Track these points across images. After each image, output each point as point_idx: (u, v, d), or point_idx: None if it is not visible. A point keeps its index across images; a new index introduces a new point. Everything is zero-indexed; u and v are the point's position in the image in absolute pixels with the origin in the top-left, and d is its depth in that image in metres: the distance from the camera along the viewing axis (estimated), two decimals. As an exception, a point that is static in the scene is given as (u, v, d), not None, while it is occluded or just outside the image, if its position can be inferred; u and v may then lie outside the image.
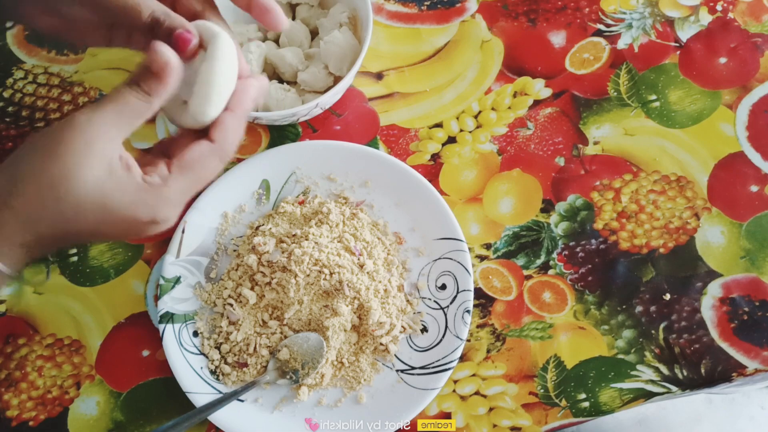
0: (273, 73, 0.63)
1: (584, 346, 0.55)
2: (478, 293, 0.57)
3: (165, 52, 0.37)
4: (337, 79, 0.60)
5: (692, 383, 0.54)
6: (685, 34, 0.64)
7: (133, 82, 0.38)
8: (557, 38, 0.66)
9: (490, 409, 0.54)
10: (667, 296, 0.56)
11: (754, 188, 0.58)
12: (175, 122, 0.42)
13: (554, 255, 0.58)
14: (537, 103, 0.63)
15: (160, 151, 0.41)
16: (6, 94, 0.68)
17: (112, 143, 0.37)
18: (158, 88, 0.37)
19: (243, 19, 0.62)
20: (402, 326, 0.55)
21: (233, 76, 0.41)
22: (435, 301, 0.56)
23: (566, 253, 0.58)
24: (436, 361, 0.53)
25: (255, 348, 0.54)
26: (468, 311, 0.54)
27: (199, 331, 0.56)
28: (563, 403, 0.54)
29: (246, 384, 0.53)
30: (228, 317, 0.55)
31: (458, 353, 0.53)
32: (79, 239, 0.40)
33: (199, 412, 0.49)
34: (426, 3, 0.68)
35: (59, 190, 0.35)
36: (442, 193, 0.60)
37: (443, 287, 0.56)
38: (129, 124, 0.38)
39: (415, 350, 0.55)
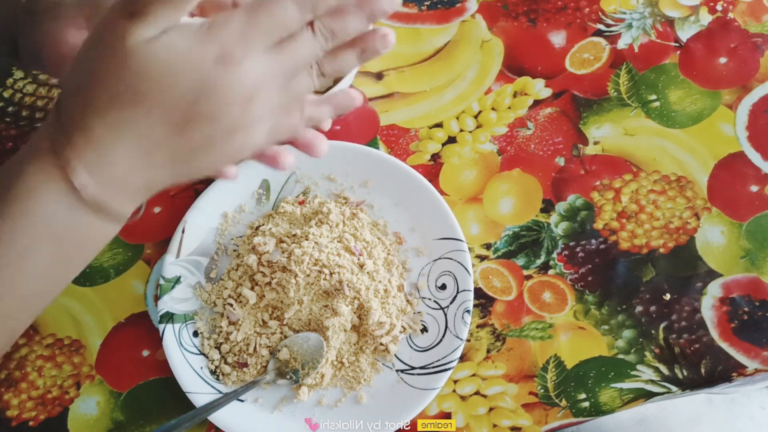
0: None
1: (584, 346, 0.55)
2: (478, 293, 0.57)
3: None
4: (336, 80, 0.60)
5: (692, 383, 0.54)
6: (685, 34, 0.64)
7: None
8: (557, 38, 0.66)
9: (490, 409, 0.54)
10: (667, 296, 0.56)
11: (754, 188, 0.58)
12: None
13: (554, 255, 0.58)
14: (537, 103, 0.63)
15: None
16: (6, 94, 0.68)
17: None
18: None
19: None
20: (402, 326, 0.55)
21: None
22: (435, 301, 0.56)
23: (566, 253, 0.58)
24: (436, 361, 0.53)
25: (255, 348, 0.54)
26: (468, 311, 0.54)
27: (199, 331, 0.56)
28: (563, 403, 0.54)
29: (246, 384, 0.53)
30: (228, 317, 0.55)
31: (458, 353, 0.53)
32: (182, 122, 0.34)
33: (199, 412, 0.49)
34: (426, 3, 0.68)
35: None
36: (442, 193, 0.60)
37: (443, 287, 0.56)
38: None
39: (415, 350, 0.55)
